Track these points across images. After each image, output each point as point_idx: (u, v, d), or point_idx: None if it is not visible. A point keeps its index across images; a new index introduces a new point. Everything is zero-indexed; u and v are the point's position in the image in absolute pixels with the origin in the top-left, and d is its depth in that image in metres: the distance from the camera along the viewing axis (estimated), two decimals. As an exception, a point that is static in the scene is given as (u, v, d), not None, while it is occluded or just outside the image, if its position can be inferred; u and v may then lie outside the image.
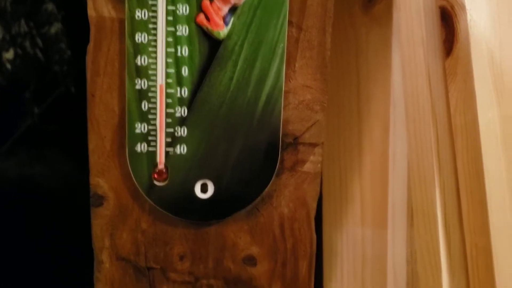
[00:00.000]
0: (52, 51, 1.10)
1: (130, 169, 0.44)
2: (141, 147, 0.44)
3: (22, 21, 1.03)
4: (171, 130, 0.44)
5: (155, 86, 0.43)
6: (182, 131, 0.44)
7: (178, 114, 0.44)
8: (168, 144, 0.44)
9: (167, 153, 0.44)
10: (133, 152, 0.44)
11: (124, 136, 0.44)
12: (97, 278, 0.47)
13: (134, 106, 0.43)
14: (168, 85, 0.43)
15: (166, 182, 0.45)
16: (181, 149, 0.44)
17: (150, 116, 0.44)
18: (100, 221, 0.46)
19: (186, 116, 0.44)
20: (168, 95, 0.43)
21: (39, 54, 1.07)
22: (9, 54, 1.03)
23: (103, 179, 0.45)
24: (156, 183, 0.45)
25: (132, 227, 0.46)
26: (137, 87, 0.43)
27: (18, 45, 1.05)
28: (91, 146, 0.45)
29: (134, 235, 0.46)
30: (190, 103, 0.43)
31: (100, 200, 0.46)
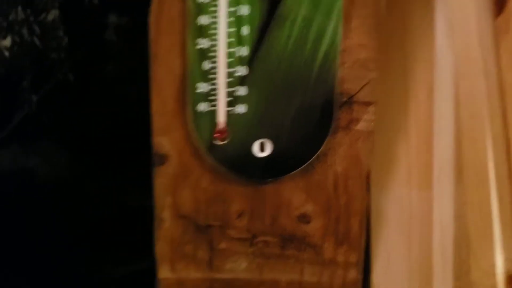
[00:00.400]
0: (49, 39, 1.10)
1: (192, 128, 0.46)
2: (202, 107, 0.45)
3: (19, 8, 1.04)
4: (231, 89, 0.45)
5: (216, 45, 0.44)
6: (242, 90, 0.45)
7: (238, 73, 0.45)
8: (229, 104, 0.45)
9: (227, 112, 0.45)
10: (195, 111, 0.45)
11: (185, 96, 0.45)
12: (158, 236, 0.49)
13: (196, 66, 0.44)
14: (229, 44, 0.44)
15: (226, 141, 0.46)
16: (241, 108, 0.45)
17: (211, 76, 0.45)
18: (162, 179, 0.47)
19: (246, 75, 0.45)
20: (229, 54, 0.44)
21: (37, 42, 1.08)
22: (7, 42, 1.04)
23: (165, 138, 0.46)
24: (217, 142, 0.46)
25: (193, 186, 0.48)
26: (199, 46, 0.44)
27: (16, 33, 1.06)
28: (154, 106, 0.46)
29: (194, 193, 0.48)
30: (250, 62, 0.44)
31: (163, 159, 0.47)
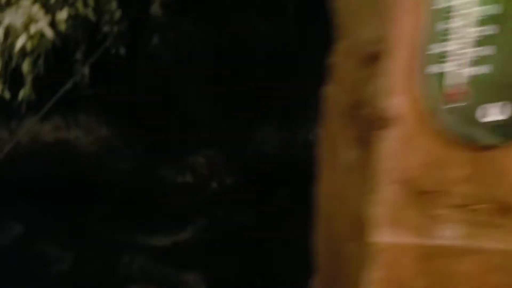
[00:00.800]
0: (102, 12, 1.10)
1: (422, 91, 0.44)
2: (437, 68, 0.43)
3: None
4: (474, 49, 0.43)
5: (460, 4, 0.42)
6: (487, 51, 0.43)
7: (483, 33, 0.42)
8: (469, 64, 0.43)
9: (466, 73, 0.43)
10: (427, 73, 0.43)
11: (419, 57, 0.43)
12: (373, 200, 0.47)
13: (434, 25, 0.42)
14: (475, 3, 0.42)
15: (459, 104, 0.44)
16: (483, 69, 0.43)
17: (450, 36, 0.42)
18: (386, 143, 0.46)
19: (493, 34, 0.42)
20: (474, 13, 0.42)
21: (90, 15, 1.07)
22: (63, 14, 1.03)
23: (393, 101, 0.45)
24: (449, 104, 0.44)
25: (416, 150, 0.46)
26: (439, 6, 0.42)
27: (71, 6, 1.06)
28: (384, 69, 0.44)
29: (417, 158, 0.46)
30: (500, 20, 0.42)
31: (388, 122, 0.45)
